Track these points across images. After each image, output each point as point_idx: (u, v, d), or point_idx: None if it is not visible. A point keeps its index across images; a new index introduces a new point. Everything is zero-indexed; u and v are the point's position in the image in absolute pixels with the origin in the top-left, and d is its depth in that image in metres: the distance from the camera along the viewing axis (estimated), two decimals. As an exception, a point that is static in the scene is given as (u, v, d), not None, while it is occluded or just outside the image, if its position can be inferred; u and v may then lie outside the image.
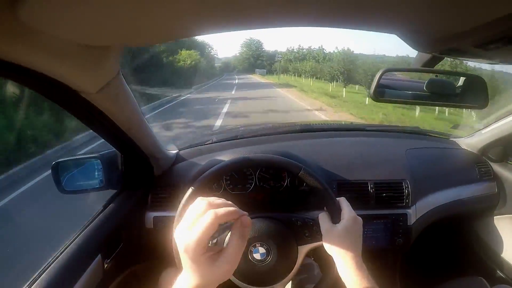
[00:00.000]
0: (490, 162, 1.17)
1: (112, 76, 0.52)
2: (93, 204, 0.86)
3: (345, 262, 0.57)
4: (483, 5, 0.30)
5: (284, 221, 0.68)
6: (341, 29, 0.40)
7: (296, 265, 0.64)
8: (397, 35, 0.44)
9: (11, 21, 0.27)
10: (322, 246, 0.64)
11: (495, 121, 1.11)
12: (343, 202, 0.65)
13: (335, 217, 0.63)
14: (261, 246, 0.63)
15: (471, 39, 0.42)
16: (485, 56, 0.49)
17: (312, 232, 0.66)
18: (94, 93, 0.51)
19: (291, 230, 0.66)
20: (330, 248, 0.60)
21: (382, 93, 0.67)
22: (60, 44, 0.36)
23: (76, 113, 0.57)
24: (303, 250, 0.65)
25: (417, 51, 0.55)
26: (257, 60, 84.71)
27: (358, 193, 0.94)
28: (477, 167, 1.14)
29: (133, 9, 0.28)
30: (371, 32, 0.43)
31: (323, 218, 0.63)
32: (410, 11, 0.34)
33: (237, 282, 0.64)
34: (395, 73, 0.76)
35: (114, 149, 0.82)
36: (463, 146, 1.21)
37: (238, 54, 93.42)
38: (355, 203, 0.88)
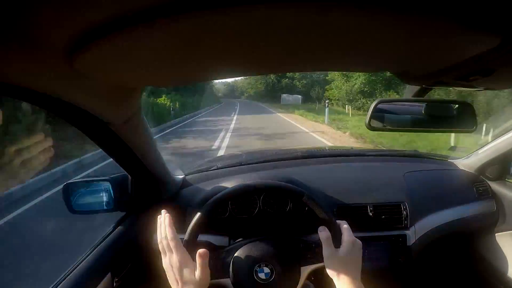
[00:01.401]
0: (487, 181, 1.20)
1: (135, 109, 0.59)
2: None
3: (345, 285, 0.60)
4: (460, 45, 0.35)
5: (287, 243, 0.71)
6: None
7: (299, 285, 0.66)
8: (390, 72, 0.50)
9: (66, 68, 0.33)
10: (322, 267, 0.67)
11: (491, 141, 1.14)
12: (343, 226, 0.68)
13: (336, 241, 0.66)
14: (266, 266, 0.66)
15: (454, 73, 0.47)
16: (469, 85, 0.54)
17: (314, 254, 0.68)
18: (120, 124, 0.57)
19: (294, 252, 0.69)
20: (332, 272, 0.63)
21: (381, 119, 0.71)
22: (100, 85, 0.43)
23: (99, 141, 0.63)
24: (306, 270, 0.67)
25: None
26: (283, 79, 44.39)
27: (357, 217, 0.97)
28: (475, 186, 1.16)
29: (161, 61, 0.34)
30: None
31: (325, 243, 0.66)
32: (397, 55, 0.39)
33: None
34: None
35: (124, 173, 0.87)
36: (461, 167, 1.24)
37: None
38: (355, 226, 0.92)
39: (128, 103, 0.54)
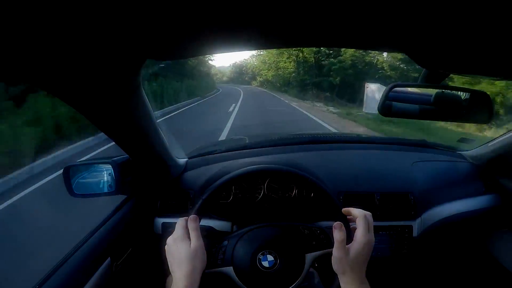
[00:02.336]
0: (496, 175, 1.17)
1: (135, 86, 0.55)
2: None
3: (350, 280, 0.58)
4: (485, 27, 0.32)
5: (291, 229, 0.69)
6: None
7: (303, 272, 0.65)
8: (406, 54, 0.47)
9: None
10: (326, 255, 0.65)
11: (501, 135, 1.12)
12: (360, 221, 0.61)
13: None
14: (269, 253, 0.64)
15: (476, 58, 0.44)
16: (490, 73, 0.51)
17: (319, 240, 0.67)
18: (118, 102, 0.54)
19: (298, 239, 0.68)
20: (337, 269, 0.59)
21: (389, 106, 0.69)
22: (96, 57, 0.40)
23: (97, 120, 0.60)
24: (310, 257, 0.66)
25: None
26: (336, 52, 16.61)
27: (364, 205, 0.95)
28: (482, 180, 1.14)
29: (164, 27, 0.32)
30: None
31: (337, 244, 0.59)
32: (417, 33, 0.36)
33: None
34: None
35: (125, 155, 0.85)
36: (469, 159, 1.22)
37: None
38: None
39: (126, 78, 0.51)
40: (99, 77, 0.45)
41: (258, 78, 35.66)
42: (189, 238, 0.59)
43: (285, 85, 22.99)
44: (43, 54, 0.34)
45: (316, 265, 0.82)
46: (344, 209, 0.68)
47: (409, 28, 0.34)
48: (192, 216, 0.60)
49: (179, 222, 0.61)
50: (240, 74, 44.46)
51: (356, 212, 0.64)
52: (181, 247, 0.58)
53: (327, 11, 0.28)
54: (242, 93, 21.18)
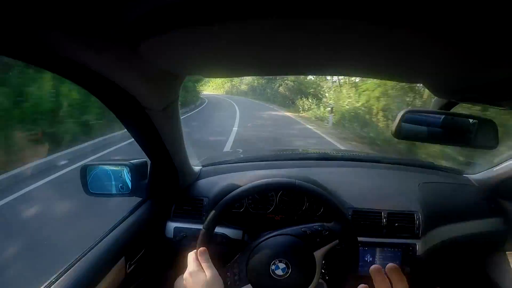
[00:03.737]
0: (500, 199, 1.19)
1: (174, 98, 0.60)
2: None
3: None
4: (496, 64, 0.35)
5: (295, 234, 0.73)
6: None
7: (317, 271, 0.68)
8: (423, 84, 0.50)
9: (133, 54, 0.36)
10: (332, 249, 0.69)
11: (506, 159, 1.14)
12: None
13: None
14: (280, 262, 0.67)
15: (487, 91, 0.47)
16: (499, 104, 0.54)
17: (322, 236, 0.71)
18: (158, 111, 0.59)
19: (303, 240, 0.71)
20: None
21: (402, 129, 0.71)
22: (153, 70, 0.45)
23: (132, 125, 0.64)
24: (319, 254, 0.70)
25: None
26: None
27: (371, 222, 0.98)
28: (487, 203, 1.16)
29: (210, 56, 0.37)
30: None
31: None
32: (436, 66, 0.40)
33: None
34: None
35: (143, 159, 0.88)
36: (475, 183, 1.24)
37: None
38: (369, 231, 0.95)
39: (170, 90, 0.56)
40: (147, 86, 0.50)
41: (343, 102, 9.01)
42: (203, 269, 0.62)
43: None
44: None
45: (323, 261, 0.83)
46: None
47: (429, 61, 0.38)
48: (200, 249, 0.64)
49: (191, 256, 0.65)
50: (269, 82, 22.76)
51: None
52: (198, 279, 0.60)
53: (352, 42, 0.32)
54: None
